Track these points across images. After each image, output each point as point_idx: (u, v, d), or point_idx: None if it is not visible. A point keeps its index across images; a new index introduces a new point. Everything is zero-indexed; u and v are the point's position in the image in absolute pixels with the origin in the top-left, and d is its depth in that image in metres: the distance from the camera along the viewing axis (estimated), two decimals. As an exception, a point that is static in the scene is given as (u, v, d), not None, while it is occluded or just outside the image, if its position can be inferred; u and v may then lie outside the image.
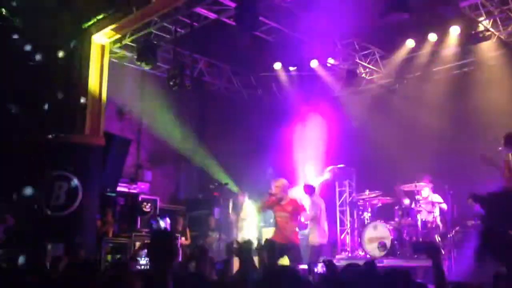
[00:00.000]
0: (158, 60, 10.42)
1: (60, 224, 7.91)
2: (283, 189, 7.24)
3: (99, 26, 8.96)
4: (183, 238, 9.66)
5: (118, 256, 8.77)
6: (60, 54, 8.87)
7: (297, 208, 7.31)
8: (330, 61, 11.21)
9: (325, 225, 8.65)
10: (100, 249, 8.49)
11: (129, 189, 9.99)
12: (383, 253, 8.57)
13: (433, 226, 8.68)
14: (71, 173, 8.17)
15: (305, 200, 8.64)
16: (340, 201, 10.92)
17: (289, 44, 10.53)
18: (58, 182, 8.13)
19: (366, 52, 11.12)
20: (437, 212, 8.73)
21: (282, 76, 11.81)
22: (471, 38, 9.69)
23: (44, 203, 8.03)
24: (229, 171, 11.41)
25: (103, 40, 9.18)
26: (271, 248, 5.24)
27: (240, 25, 8.88)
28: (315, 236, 8.44)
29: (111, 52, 9.91)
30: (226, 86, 12.22)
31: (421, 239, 8.30)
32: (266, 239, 6.23)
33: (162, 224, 9.24)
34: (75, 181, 8.16)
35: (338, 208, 10.89)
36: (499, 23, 9.52)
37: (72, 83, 8.98)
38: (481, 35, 9.48)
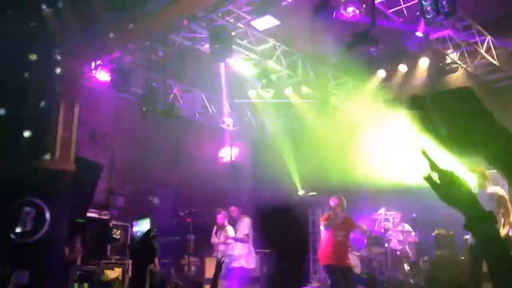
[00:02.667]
0: (131, 85, 10.41)
1: (25, 251, 7.74)
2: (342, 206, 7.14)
3: (74, 51, 8.95)
4: (152, 265, 9.54)
5: (86, 284, 8.61)
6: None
7: (353, 227, 7.26)
8: (304, 89, 11.37)
9: None
10: (68, 277, 8.32)
11: (99, 215, 9.84)
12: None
13: (403, 254, 8.76)
14: (39, 199, 8.04)
15: (245, 219, 8.83)
16: (313, 228, 10.95)
17: (264, 72, 10.68)
18: (25, 208, 7.98)
19: (338, 81, 11.32)
20: (406, 241, 8.81)
21: (258, 103, 11.93)
22: (439, 70, 9.95)
23: (10, 229, 7.86)
24: (204, 197, 11.37)
25: (76, 64, 9.16)
26: None
27: (215, 55, 9.03)
28: (250, 258, 8.62)
29: (84, 75, 9.90)
30: (200, 112, 12.26)
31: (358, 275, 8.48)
32: None
33: (144, 225, 8.77)
34: (43, 207, 8.03)
35: (310, 236, 10.90)
36: (466, 56, 9.82)
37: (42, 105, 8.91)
38: (448, 67, 9.75)
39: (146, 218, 8.77)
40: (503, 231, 5.92)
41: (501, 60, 9.79)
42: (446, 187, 1.42)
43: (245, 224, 8.81)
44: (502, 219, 6.02)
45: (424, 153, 1.47)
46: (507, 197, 6.10)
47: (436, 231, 8.29)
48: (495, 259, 1.31)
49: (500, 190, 6.18)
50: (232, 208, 9.18)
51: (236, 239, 8.67)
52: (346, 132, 11.28)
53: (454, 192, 1.41)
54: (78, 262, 8.81)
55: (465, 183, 1.39)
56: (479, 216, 1.35)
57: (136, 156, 11.50)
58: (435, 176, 1.42)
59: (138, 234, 8.17)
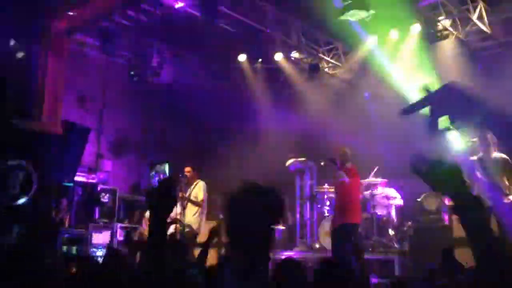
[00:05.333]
0: (119, 48, 10.26)
1: (13, 213, 7.76)
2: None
3: (60, 12, 8.79)
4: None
5: (74, 247, 8.70)
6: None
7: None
8: (294, 54, 11.28)
9: None
10: (56, 240, 8.38)
11: (87, 178, 9.85)
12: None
13: (388, 220, 8.88)
14: (26, 161, 8.02)
15: (200, 183, 8.59)
16: (301, 194, 11.03)
17: (253, 37, 10.56)
18: (13, 171, 7.97)
19: (329, 46, 11.23)
20: (392, 206, 8.92)
21: (246, 68, 11.83)
22: (430, 37, 9.87)
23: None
24: (191, 162, 11.36)
25: (63, 26, 9.00)
26: None
27: (203, 15, 8.90)
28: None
29: (72, 38, 9.74)
30: (190, 76, 12.12)
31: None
32: None
33: (167, 168, 8.40)
34: (30, 170, 8.02)
35: (298, 201, 11.00)
36: (458, 22, 9.74)
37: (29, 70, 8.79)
38: (439, 34, 9.67)
39: (164, 163, 8.42)
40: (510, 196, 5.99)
41: (493, 27, 9.73)
42: (435, 175, 1.38)
43: (201, 189, 8.50)
44: (507, 182, 6.10)
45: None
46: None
47: (422, 196, 8.38)
48: (480, 247, 1.30)
49: (503, 155, 6.22)
50: (188, 169, 8.69)
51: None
52: (336, 98, 11.29)
53: (442, 179, 1.38)
54: (66, 224, 8.86)
55: (456, 168, 1.36)
56: (467, 203, 1.33)
57: (124, 120, 11.44)
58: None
59: (156, 180, 7.99)
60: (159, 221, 2.05)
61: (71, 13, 8.72)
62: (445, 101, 1.32)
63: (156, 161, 8.29)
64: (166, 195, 2.10)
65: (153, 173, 7.88)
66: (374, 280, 6.70)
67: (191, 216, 8.32)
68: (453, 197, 1.37)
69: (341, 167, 7.09)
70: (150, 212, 2.09)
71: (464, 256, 6.22)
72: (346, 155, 7.17)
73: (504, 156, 6.22)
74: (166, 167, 8.04)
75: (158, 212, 2.07)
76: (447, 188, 1.38)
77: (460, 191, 1.36)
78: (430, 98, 1.35)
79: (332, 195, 9.75)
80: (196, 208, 8.41)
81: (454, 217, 7.05)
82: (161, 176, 7.81)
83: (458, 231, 7.17)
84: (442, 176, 1.36)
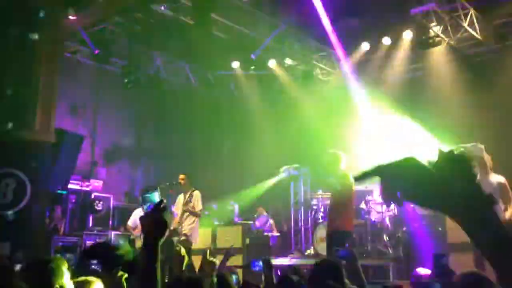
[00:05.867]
0: (112, 56, 10.27)
1: (6, 222, 7.72)
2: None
3: (54, 19, 8.78)
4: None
5: (68, 255, 8.64)
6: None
7: None
8: (287, 61, 11.34)
9: None
10: (49, 248, 8.35)
11: (81, 186, 9.81)
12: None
13: (383, 226, 8.91)
14: (19, 170, 7.99)
15: (196, 192, 8.53)
16: (295, 200, 11.04)
17: (247, 43, 10.62)
18: (5, 180, 7.94)
19: (322, 53, 11.30)
20: (386, 212, 8.95)
21: (240, 75, 11.87)
22: (422, 44, 9.95)
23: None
24: (185, 168, 11.37)
25: (57, 33, 8.99)
26: None
27: (196, 23, 8.95)
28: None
29: (65, 46, 9.74)
30: (183, 83, 12.15)
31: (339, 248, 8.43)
32: None
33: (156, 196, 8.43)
34: (23, 179, 7.98)
35: (292, 208, 11.01)
36: (449, 29, 9.83)
37: (22, 78, 8.76)
38: (431, 40, 9.75)
39: (155, 190, 8.44)
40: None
41: (484, 33, 9.83)
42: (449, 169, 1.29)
43: (198, 199, 8.43)
44: (503, 207, 5.89)
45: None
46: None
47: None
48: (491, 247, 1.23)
49: (501, 179, 6.07)
50: (182, 176, 8.62)
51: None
52: (329, 105, 11.33)
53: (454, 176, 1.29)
54: (61, 231, 8.82)
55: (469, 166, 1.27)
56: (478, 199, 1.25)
57: (118, 127, 11.42)
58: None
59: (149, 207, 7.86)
60: (152, 246, 2.06)
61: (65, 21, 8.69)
62: (397, 177, 1.26)
63: (147, 188, 8.32)
64: (158, 222, 2.13)
65: (147, 204, 7.92)
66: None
67: (188, 225, 8.32)
68: (463, 196, 1.26)
69: (334, 173, 6.98)
70: (143, 237, 2.12)
71: (459, 262, 6.27)
72: (338, 160, 7.01)
73: (501, 180, 6.10)
74: (156, 196, 8.06)
75: (149, 237, 2.09)
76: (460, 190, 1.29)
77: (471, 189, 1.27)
78: (382, 170, 1.28)
79: (327, 202, 9.78)
80: (194, 218, 8.41)
81: (449, 222, 7.07)
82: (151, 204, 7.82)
83: (453, 236, 7.21)
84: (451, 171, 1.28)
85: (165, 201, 2.28)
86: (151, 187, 8.04)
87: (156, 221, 2.08)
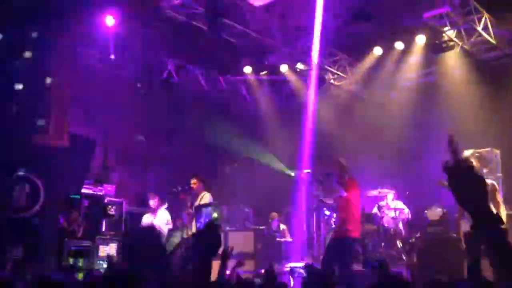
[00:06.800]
0: (125, 61, 10.32)
1: (20, 226, 7.76)
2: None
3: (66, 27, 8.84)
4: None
5: (81, 259, 8.66)
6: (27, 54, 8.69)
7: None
8: (300, 66, 11.32)
9: None
10: (62, 252, 8.37)
11: (94, 191, 9.81)
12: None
13: (396, 232, 8.83)
14: (33, 174, 8.04)
15: (206, 194, 8.53)
16: (307, 205, 10.99)
17: (259, 48, 10.62)
18: (20, 183, 7.99)
19: (334, 58, 11.26)
20: (399, 218, 8.88)
21: (252, 80, 11.86)
22: (436, 48, 9.89)
23: (5, 204, 7.87)
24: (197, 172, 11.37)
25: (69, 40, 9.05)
26: None
27: (209, 28, 8.97)
28: None
29: (79, 50, 9.80)
30: (195, 88, 12.15)
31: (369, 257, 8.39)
32: None
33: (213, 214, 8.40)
34: (37, 183, 8.03)
35: (305, 213, 10.96)
36: (463, 33, 9.76)
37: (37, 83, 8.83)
38: (445, 44, 9.68)
39: (215, 208, 8.41)
40: None
41: (498, 38, 9.74)
42: (463, 183, 1.38)
43: (207, 201, 8.42)
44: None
45: (451, 141, 1.43)
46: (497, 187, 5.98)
47: (428, 209, 8.34)
48: (499, 260, 1.29)
49: (492, 181, 6.03)
50: (194, 180, 8.59)
51: None
52: (342, 109, 11.30)
53: (469, 190, 1.37)
54: (79, 234, 8.83)
55: (483, 182, 1.35)
56: (487, 218, 1.32)
57: (130, 132, 11.45)
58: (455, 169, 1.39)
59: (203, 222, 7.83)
60: (205, 261, 2.07)
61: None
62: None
63: (204, 204, 8.33)
64: (213, 239, 2.14)
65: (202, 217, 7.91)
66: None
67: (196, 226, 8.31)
68: (474, 213, 1.35)
69: (340, 180, 6.81)
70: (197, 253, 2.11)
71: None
72: (343, 167, 6.90)
73: (492, 183, 6.02)
74: (215, 213, 8.08)
75: (203, 252, 2.10)
76: (471, 201, 1.36)
77: (481, 207, 1.34)
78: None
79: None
80: None
81: (463, 229, 6.98)
82: (207, 218, 7.86)
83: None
84: (468, 189, 1.34)
85: (217, 219, 2.28)
86: (210, 204, 8.11)
87: (212, 241, 2.08)
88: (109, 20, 9.16)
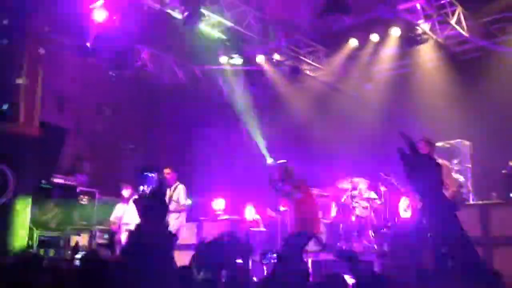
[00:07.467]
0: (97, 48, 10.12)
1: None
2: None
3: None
4: None
5: (52, 250, 8.55)
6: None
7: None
8: (275, 57, 11.29)
9: None
10: (32, 242, 8.24)
11: (66, 180, 9.67)
12: (318, 248, 8.70)
13: (368, 221, 8.93)
14: (2, 163, 7.88)
15: (180, 186, 8.51)
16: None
17: (235, 38, 10.54)
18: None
19: (310, 49, 11.27)
20: (372, 208, 8.97)
21: (228, 70, 11.79)
22: (410, 40, 9.97)
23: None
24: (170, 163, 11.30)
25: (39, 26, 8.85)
26: None
27: (186, 19, 8.87)
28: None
29: (51, 38, 9.60)
30: (170, 77, 12.03)
31: (343, 247, 8.58)
32: None
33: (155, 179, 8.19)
34: (7, 172, 7.88)
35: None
36: (437, 26, 9.85)
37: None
38: (419, 38, 9.77)
39: (154, 171, 8.19)
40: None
41: (471, 31, 9.86)
42: (418, 170, 1.39)
43: (183, 193, 8.39)
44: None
45: (401, 133, 1.45)
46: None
47: (401, 199, 8.47)
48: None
49: (443, 161, 6.27)
50: (168, 170, 8.49)
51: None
52: (317, 101, 11.33)
53: (422, 178, 1.38)
54: (53, 224, 8.70)
55: (436, 169, 1.36)
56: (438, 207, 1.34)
57: (104, 121, 11.31)
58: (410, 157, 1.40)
59: (144, 190, 7.68)
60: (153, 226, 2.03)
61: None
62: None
63: (145, 168, 8.15)
64: (160, 204, 2.10)
65: (145, 184, 7.73)
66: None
67: (173, 220, 8.23)
68: (428, 200, 1.35)
69: (291, 185, 6.91)
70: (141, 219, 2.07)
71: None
72: (289, 172, 7.05)
73: (444, 162, 6.23)
74: (155, 178, 7.88)
75: (149, 219, 2.07)
76: (424, 189, 1.37)
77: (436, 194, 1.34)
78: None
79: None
80: (178, 213, 8.35)
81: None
82: (151, 185, 7.70)
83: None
84: (424, 173, 1.36)
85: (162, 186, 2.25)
86: (151, 168, 7.92)
87: (154, 208, 2.05)
88: (99, 14, 8.94)
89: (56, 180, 9.29)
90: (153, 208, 2.10)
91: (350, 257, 4.48)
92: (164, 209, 2.08)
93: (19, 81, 8.47)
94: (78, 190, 9.75)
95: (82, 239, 9.09)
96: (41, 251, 8.39)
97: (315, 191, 8.78)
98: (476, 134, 9.15)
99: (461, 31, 9.71)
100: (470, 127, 9.28)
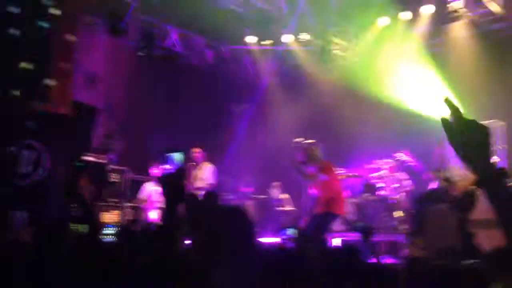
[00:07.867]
0: (126, 29, 10.21)
1: (25, 193, 7.83)
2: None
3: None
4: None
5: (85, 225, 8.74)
6: None
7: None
8: (304, 36, 11.20)
9: None
10: (66, 218, 8.44)
11: (97, 159, 9.86)
12: (345, 228, 8.72)
13: (398, 202, 8.88)
14: (38, 142, 8.07)
15: (209, 166, 8.52)
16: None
17: (263, 18, 10.49)
18: (24, 151, 8.02)
19: (339, 28, 11.12)
20: (402, 188, 8.92)
21: (255, 50, 11.76)
22: (442, 18, 9.76)
23: (9, 171, 7.92)
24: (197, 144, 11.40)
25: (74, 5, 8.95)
26: None
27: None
28: None
29: (81, 18, 9.70)
30: (198, 58, 12.06)
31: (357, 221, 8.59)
32: None
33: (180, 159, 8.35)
34: (42, 150, 8.06)
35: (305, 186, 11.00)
36: (470, 3, 9.60)
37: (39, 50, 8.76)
38: (451, 15, 9.55)
39: (180, 152, 8.30)
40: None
41: (506, 9, 9.58)
42: (464, 136, 1.35)
43: (210, 172, 8.42)
44: None
45: (447, 99, 1.42)
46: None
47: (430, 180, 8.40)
48: (506, 214, 1.26)
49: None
50: (197, 150, 8.55)
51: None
52: (346, 80, 11.21)
53: (470, 143, 1.33)
54: (88, 200, 8.89)
55: (486, 135, 1.32)
56: (491, 172, 1.29)
57: (133, 101, 11.42)
58: (454, 122, 1.36)
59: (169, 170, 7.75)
60: (171, 208, 2.09)
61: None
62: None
63: (173, 148, 8.23)
64: (178, 185, 2.16)
65: (170, 164, 7.79)
66: (387, 260, 6.74)
67: None
68: (477, 166, 1.31)
69: (316, 167, 6.90)
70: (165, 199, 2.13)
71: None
72: (314, 153, 6.99)
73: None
74: (182, 157, 7.95)
75: (169, 199, 2.13)
76: (473, 156, 1.33)
77: (485, 160, 1.31)
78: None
79: (341, 178, 9.75)
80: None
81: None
82: (175, 165, 7.78)
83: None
84: (472, 139, 1.32)
85: (185, 167, 2.31)
86: (175, 148, 7.99)
87: (175, 187, 2.11)
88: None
89: (88, 158, 9.49)
90: (173, 187, 2.14)
91: (364, 229, 4.49)
92: (181, 189, 2.11)
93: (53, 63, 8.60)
94: (108, 168, 9.95)
95: (113, 216, 9.29)
96: (79, 227, 8.59)
97: (342, 172, 8.82)
98: (510, 113, 8.97)
99: (495, 8, 9.45)
100: (505, 107, 9.09)
